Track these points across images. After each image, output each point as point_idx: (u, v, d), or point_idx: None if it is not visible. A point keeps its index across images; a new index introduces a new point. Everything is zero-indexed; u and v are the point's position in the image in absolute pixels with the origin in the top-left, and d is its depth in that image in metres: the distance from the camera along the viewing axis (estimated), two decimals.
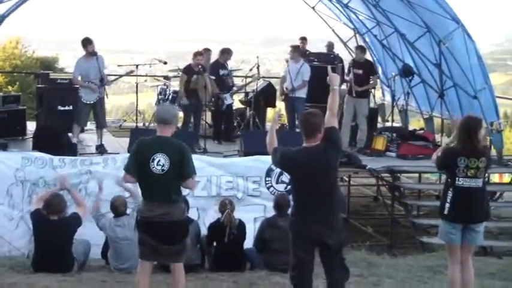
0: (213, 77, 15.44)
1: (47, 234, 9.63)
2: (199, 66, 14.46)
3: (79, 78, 13.95)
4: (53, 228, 9.64)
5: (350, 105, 15.17)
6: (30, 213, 10.35)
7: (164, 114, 7.31)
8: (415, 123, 20.28)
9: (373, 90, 17.13)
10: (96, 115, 14.13)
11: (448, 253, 8.00)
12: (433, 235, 12.32)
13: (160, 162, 6.99)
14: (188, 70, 14.69)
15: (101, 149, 13.73)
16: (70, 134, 13.96)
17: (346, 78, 15.43)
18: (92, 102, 13.81)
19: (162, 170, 6.99)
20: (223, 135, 15.53)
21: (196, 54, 14.72)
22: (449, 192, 7.76)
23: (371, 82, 15.59)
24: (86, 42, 13.82)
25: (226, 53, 16.04)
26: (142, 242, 7.22)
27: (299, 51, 15.53)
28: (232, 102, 16.03)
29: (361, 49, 15.90)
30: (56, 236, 9.57)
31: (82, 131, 15.43)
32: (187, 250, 7.38)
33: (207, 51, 16.18)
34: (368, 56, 18.50)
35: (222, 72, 15.80)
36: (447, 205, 7.72)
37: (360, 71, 15.14)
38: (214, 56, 16.19)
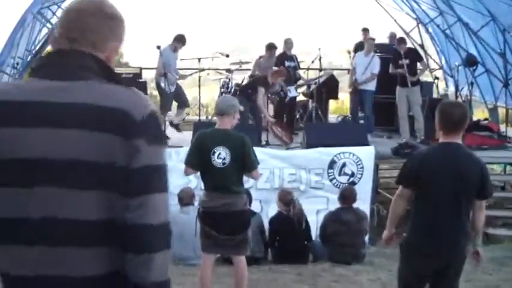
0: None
1: None
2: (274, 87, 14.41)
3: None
4: None
5: (403, 97, 14.98)
6: None
7: (222, 105, 7.35)
8: (479, 114, 20.03)
9: (436, 80, 16.98)
10: (180, 97, 14.98)
11: None
12: (498, 227, 12.19)
13: (221, 155, 7.02)
14: (265, 84, 14.02)
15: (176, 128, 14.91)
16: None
17: (394, 71, 15.16)
18: (169, 92, 14.22)
19: (223, 164, 7.02)
20: (286, 127, 15.54)
21: (277, 74, 14.14)
22: None
23: (421, 68, 15.44)
24: (182, 39, 14.54)
25: (288, 43, 16.05)
26: (204, 234, 7.28)
27: (372, 44, 15.47)
28: (297, 95, 16.02)
29: (400, 40, 15.63)
30: None
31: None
32: (249, 242, 7.41)
33: (271, 48, 15.95)
34: (431, 47, 18.38)
35: (287, 64, 15.76)
36: None
37: (407, 61, 14.97)
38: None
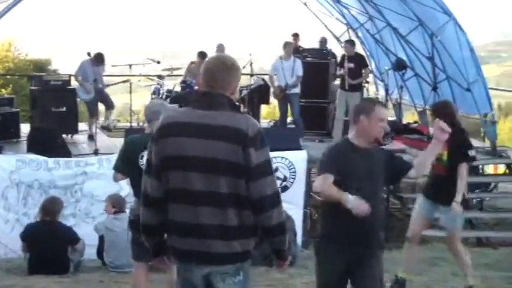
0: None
1: (40, 236, 9.70)
2: None
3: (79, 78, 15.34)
4: (47, 230, 9.72)
5: (342, 100, 15.18)
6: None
7: (148, 112, 7.22)
8: (409, 117, 20.29)
9: (366, 84, 17.15)
10: (104, 101, 15.93)
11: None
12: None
13: None
14: None
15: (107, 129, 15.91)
16: (64, 135, 14.09)
17: (339, 73, 15.46)
18: (88, 100, 15.37)
19: None
20: None
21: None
22: None
23: (363, 75, 15.62)
24: (100, 58, 15.50)
25: (219, 49, 16.04)
26: (135, 242, 7.15)
27: (291, 48, 15.51)
28: None
29: (350, 43, 15.91)
30: (50, 238, 9.65)
31: (76, 132, 15.50)
32: None
33: (203, 56, 16.04)
34: (361, 51, 18.55)
35: None
36: None
37: (352, 65, 15.16)
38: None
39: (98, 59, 15.43)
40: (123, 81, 16.12)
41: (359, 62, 15.43)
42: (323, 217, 5.94)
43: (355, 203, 5.41)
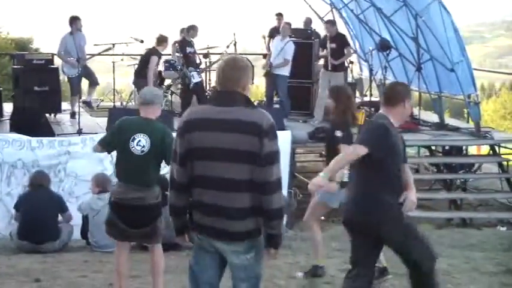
0: (180, 55, 15.58)
1: (32, 203, 9.83)
2: None
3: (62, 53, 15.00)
4: (39, 195, 9.88)
5: (325, 79, 15.17)
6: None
7: (148, 94, 7.21)
8: None
9: (350, 65, 17.15)
10: (88, 77, 15.65)
11: None
12: None
13: (140, 142, 6.89)
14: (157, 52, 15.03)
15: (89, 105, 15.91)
16: (47, 115, 14.03)
17: (321, 54, 15.43)
18: (73, 76, 14.97)
19: (142, 151, 6.88)
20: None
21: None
22: None
23: (345, 54, 15.61)
24: (75, 19, 14.96)
25: (191, 29, 15.85)
26: (111, 223, 7.12)
27: (286, 30, 15.46)
28: (200, 80, 15.80)
29: (331, 23, 15.86)
30: (42, 203, 9.80)
31: (59, 111, 15.44)
32: (160, 231, 7.25)
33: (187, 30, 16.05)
34: (345, 31, 18.50)
35: (188, 50, 15.67)
36: None
37: (334, 45, 15.14)
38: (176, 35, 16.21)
39: (73, 22, 14.95)
40: (106, 50, 15.97)
41: (341, 42, 15.41)
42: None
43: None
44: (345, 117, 8.04)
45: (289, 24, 15.84)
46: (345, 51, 15.53)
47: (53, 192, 10.44)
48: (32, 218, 9.81)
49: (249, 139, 4.73)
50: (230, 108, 4.83)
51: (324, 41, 15.56)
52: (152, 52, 14.82)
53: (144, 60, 14.84)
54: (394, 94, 6.16)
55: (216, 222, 4.87)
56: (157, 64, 15.12)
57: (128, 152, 6.93)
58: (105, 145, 7.26)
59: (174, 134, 5.18)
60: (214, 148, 4.80)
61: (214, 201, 4.85)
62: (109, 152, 7.45)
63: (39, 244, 9.84)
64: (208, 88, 16.40)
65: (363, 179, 6.06)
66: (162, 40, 14.96)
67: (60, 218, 10.22)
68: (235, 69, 4.94)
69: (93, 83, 15.86)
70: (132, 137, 6.91)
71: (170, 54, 16.55)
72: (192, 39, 15.81)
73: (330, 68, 15.13)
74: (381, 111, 6.24)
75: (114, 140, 7.11)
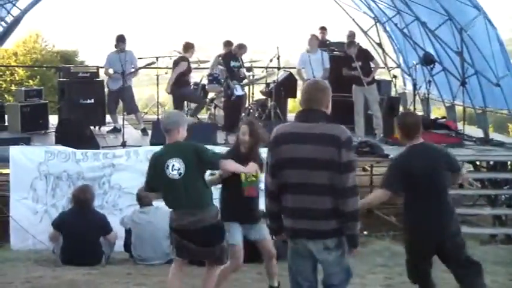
0: (224, 68, 15.68)
1: (74, 224, 9.77)
2: None
3: (110, 71, 15.18)
4: (81, 217, 9.81)
5: (360, 95, 15.03)
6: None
7: (165, 123, 7.18)
8: (437, 112, 20.17)
9: (394, 79, 17.08)
10: (123, 101, 15.45)
11: None
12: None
13: (175, 166, 6.88)
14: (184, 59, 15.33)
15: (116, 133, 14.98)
16: (92, 127, 14.15)
17: (351, 73, 15.15)
18: (115, 89, 15.06)
19: (180, 174, 6.88)
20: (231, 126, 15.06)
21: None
22: None
23: (373, 67, 15.46)
24: (121, 39, 15.13)
25: (242, 48, 15.96)
26: (177, 244, 7.16)
27: (315, 41, 15.46)
28: (243, 94, 15.88)
29: (349, 44, 15.62)
30: (84, 226, 9.73)
31: (104, 124, 15.58)
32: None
33: (229, 45, 16.30)
34: (389, 45, 18.44)
35: (232, 63, 15.77)
36: None
37: (360, 63, 15.00)
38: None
39: (119, 40, 15.14)
40: (150, 64, 16.07)
41: (365, 57, 15.25)
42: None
43: None
44: None
45: (315, 36, 15.87)
46: (372, 64, 15.41)
47: (96, 213, 10.28)
48: (76, 241, 9.67)
49: (330, 150, 5.42)
50: (315, 124, 5.56)
51: (345, 60, 15.29)
52: (181, 59, 15.19)
53: (175, 68, 15.18)
54: (419, 124, 7.31)
55: (306, 224, 5.55)
56: (189, 70, 15.42)
57: (168, 180, 6.92)
58: (149, 188, 7.30)
59: (217, 147, 5.24)
60: (302, 158, 5.49)
61: (303, 204, 5.53)
62: (158, 191, 7.33)
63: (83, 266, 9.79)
64: (250, 102, 16.39)
65: None
66: (188, 47, 15.43)
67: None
68: (319, 91, 5.70)
69: (128, 109, 15.59)
70: (166, 165, 6.92)
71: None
72: (240, 56, 15.96)
73: (365, 85, 14.94)
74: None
75: (154, 177, 7.11)
